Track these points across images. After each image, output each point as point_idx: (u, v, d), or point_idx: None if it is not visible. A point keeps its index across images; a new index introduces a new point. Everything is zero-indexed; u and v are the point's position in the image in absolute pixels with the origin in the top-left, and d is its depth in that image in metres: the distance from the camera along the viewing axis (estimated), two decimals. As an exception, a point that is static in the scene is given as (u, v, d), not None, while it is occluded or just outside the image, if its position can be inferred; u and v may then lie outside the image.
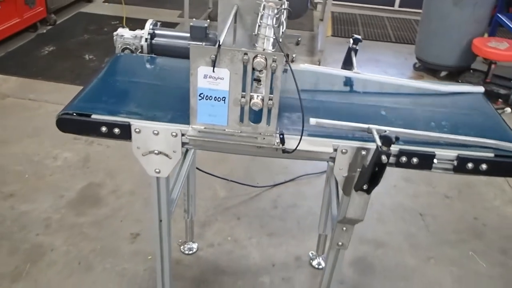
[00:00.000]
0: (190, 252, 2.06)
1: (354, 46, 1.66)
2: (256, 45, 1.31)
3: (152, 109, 1.29)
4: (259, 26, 1.35)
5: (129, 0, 4.96)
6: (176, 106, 1.31)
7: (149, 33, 1.62)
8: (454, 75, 4.09)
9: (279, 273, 2.00)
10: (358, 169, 1.19)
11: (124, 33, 1.65)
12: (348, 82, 1.58)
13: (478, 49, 3.81)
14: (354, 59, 1.62)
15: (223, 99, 1.17)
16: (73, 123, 1.23)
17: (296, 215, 2.34)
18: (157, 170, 1.31)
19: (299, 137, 1.15)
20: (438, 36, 4.00)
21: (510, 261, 2.17)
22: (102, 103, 1.30)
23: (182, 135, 1.23)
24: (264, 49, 1.24)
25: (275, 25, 1.38)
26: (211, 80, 1.15)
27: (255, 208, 2.37)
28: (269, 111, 1.16)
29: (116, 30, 1.65)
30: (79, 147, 2.72)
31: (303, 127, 1.15)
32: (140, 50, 1.64)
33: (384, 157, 1.07)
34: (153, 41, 1.62)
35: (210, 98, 1.17)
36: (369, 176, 1.11)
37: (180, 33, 1.67)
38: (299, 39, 4.60)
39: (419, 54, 4.22)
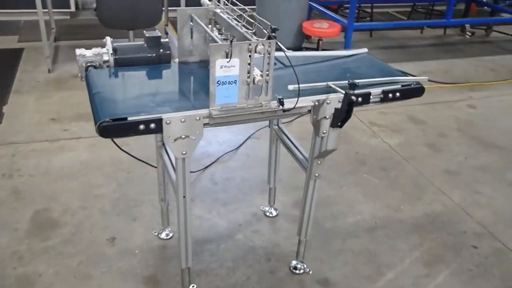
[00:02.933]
0: (169, 237, 2.33)
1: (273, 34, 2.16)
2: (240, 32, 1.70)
3: (166, 104, 1.58)
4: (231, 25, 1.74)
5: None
6: (180, 98, 1.64)
7: (113, 49, 1.86)
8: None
9: (247, 229, 2.42)
10: (331, 112, 1.71)
11: (85, 53, 1.85)
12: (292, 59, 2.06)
13: (308, 30, 4.72)
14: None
15: (235, 81, 1.55)
16: (114, 128, 1.46)
17: (235, 184, 2.77)
18: (184, 152, 1.61)
19: (291, 99, 1.61)
20: (273, 24, 4.78)
21: (389, 174, 2.99)
22: (123, 108, 1.54)
23: (204, 118, 1.57)
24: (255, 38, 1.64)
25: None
26: (225, 69, 1.52)
27: (200, 188, 2.72)
28: (267, 84, 1.59)
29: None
30: (1, 183, 2.65)
31: (299, 90, 1.62)
32: (103, 66, 1.88)
33: (353, 97, 1.61)
34: (117, 55, 1.86)
35: (225, 83, 1.54)
36: (345, 113, 1.65)
37: (135, 44, 1.94)
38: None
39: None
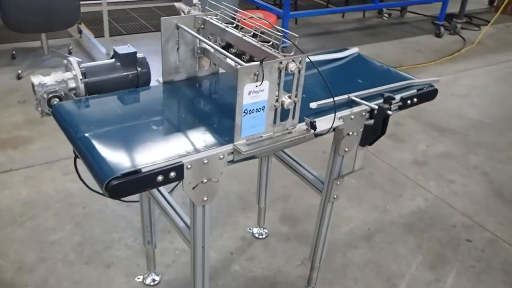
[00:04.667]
0: (156, 282, 1.99)
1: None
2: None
3: (181, 144, 1.27)
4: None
5: None
6: (189, 133, 1.33)
7: (82, 72, 1.48)
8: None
9: (241, 257, 2.16)
10: (360, 129, 1.52)
11: (45, 81, 1.45)
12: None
13: (242, 23, 4.46)
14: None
15: (263, 108, 1.29)
16: (127, 185, 1.12)
17: (212, 206, 2.48)
18: (205, 199, 1.32)
19: (308, 121, 1.38)
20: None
21: (364, 171, 2.90)
22: (128, 155, 1.20)
23: (228, 154, 1.29)
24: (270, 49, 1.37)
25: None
26: (254, 94, 1.25)
27: (175, 216, 2.39)
28: (294, 106, 1.34)
29: None
30: None
31: (335, 110, 1.39)
32: (69, 95, 1.49)
33: (389, 111, 1.42)
34: (87, 79, 1.49)
35: (252, 111, 1.27)
36: (380, 131, 1.46)
37: (106, 63, 1.57)
38: (70, 48, 4.35)
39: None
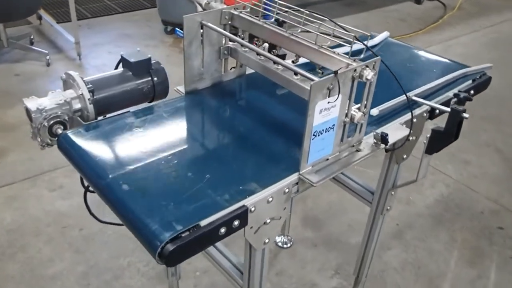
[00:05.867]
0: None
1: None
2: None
3: (236, 181, 1.01)
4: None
5: None
6: (246, 163, 1.07)
7: (90, 90, 1.18)
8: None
9: (270, 272, 1.95)
10: (419, 131, 1.31)
11: (43, 104, 1.15)
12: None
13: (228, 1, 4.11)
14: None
15: (332, 127, 1.04)
16: (186, 246, 0.86)
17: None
18: (267, 241, 1.07)
19: (379, 134, 1.15)
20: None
21: (376, 159, 2.71)
22: (182, 206, 0.93)
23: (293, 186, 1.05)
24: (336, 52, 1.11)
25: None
26: (325, 112, 1.00)
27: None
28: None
29: None
30: None
31: (412, 115, 1.17)
32: (74, 119, 1.20)
33: (465, 114, 1.21)
34: (95, 97, 1.20)
35: (322, 132, 1.03)
36: (454, 136, 1.24)
37: (115, 76, 1.28)
38: (32, 37, 3.89)
39: (167, 18, 4.22)
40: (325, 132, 1.04)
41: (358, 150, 1.13)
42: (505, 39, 4.57)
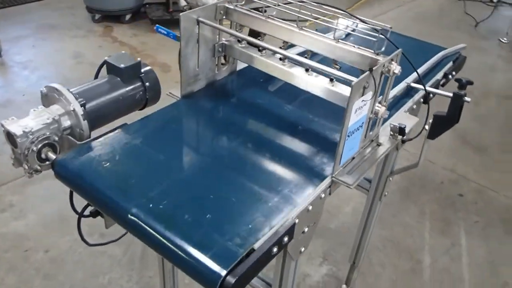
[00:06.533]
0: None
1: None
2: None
3: (271, 193, 0.94)
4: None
5: None
6: (274, 172, 1.01)
7: (81, 104, 1.04)
8: (136, 15, 4.08)
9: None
10: (429, 120, 1.31)
11: (29, 125, 1.00)
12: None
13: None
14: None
15: (362, 125, 1.01)
16: (246, 275, 0.78)
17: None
18: (302, 249, 1.02)
19: (397, 126, 1.14)
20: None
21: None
22: (229, 232, 0.85)
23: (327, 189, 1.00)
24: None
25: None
26: (358, 112, 0.96)
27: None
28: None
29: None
30: None
31: (428, 105, 1.16)
32: (65, 138, 1.05)
33: (466, 98, 1.23)
34: (87, 109, 1.06)
35: (354, 131, 0.99)
36: (457, 120, 1.26)
37: (104, 85, 1.14)
38: None
39: (93, 5, 3.90)
40: (356, 131, 1.00)
41: (378, 145, 1.11)
42: (428, 13, 4.81)
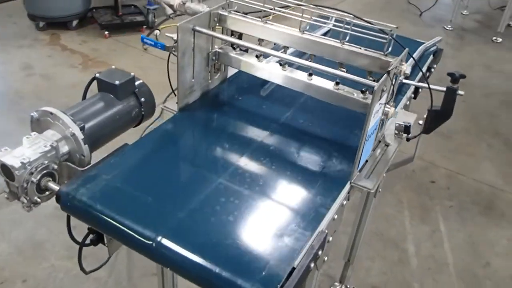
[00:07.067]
0: None
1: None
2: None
3: (298, 206, 0.92)
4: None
5: None
6: (294, 184, 0.98)
7: (81, 127, 0.97)
8: (84, 20, 3.88)
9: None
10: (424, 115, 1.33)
11: (26, 155, 0.92)
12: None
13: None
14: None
15: (376, 128, 1.00)
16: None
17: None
18: (325, 259, 1.00)
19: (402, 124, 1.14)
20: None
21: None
22: (269, 255, 0.81)
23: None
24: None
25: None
26: (376, 115, 0.95)
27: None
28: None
29: None
30: None
31: (432, 99, 1.15)
32: (64, 165, 0.97)
33: (459, 91, 1.26)
34: (85, 132, 0.99)
35: (370, 135, 0.98)
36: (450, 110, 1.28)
37: (97, 103, 1.06)
38: None
39: (38, 13, 3.66)
40: (372, 134, 0.99)
41: (386, 145, 1.12)
42: (374, 4, 4.93)
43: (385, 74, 0.91)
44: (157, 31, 1.95)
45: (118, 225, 0.84)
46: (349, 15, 1.04)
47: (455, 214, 2.28)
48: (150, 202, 0.88)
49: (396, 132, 1.14)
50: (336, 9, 1.07)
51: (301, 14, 1.07)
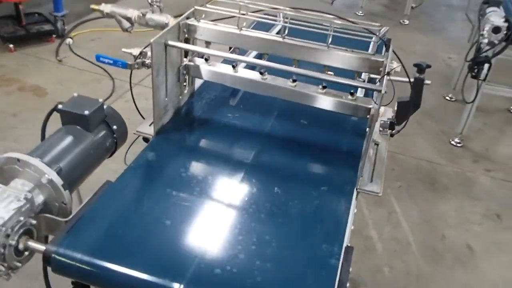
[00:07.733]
0: None
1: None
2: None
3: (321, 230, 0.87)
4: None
5: None
6: (308, 206, 0.93)
7: (57, 172, 0.84)
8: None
9: None
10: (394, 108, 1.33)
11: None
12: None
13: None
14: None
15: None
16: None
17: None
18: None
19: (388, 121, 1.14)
20: None
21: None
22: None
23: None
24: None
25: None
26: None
27: None
28: (376, 112, 1.07)
29: None
30: None
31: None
32: (40, 214, 0.84)
33: (426, 81, 1.28)
34: (63, 174, 0.86)
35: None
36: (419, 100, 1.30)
37: (64, 140, 0.93)
38: None
39: None
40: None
41: (376, 144, 1.10)
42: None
43: (385, 75, 0.88)
44: (69, 40, 1.75)
45: (132, 279, 0.73)
46: (334, 16, 1.00)
47: (405, 193, 2.38)
48: (160, 246, 0.78)
49: (381, 129, 1.13)
50: (319, 11, 1.02)
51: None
